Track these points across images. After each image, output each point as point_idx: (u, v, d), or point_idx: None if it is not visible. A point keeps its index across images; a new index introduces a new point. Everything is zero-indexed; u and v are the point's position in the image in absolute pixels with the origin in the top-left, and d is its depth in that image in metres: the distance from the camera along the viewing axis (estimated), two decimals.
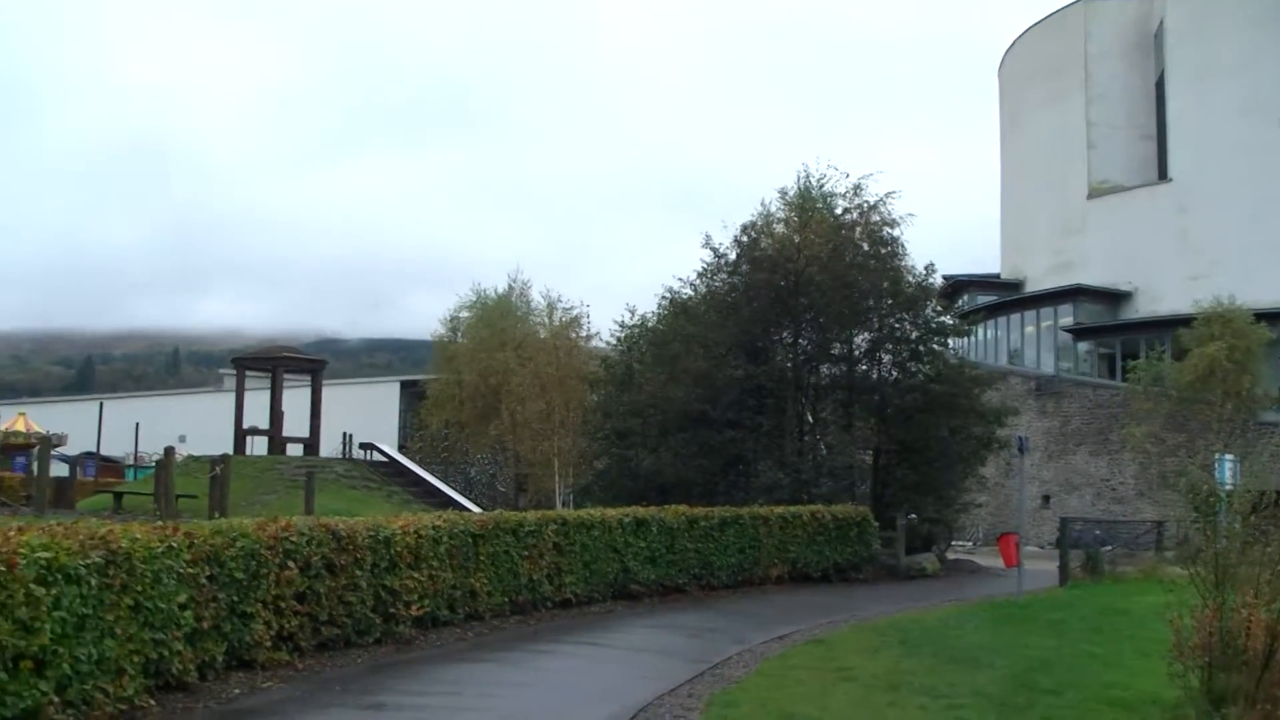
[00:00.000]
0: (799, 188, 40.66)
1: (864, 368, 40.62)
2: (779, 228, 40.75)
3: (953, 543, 46.31)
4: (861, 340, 40.23)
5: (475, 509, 34.15)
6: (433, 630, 18.53)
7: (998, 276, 78.62)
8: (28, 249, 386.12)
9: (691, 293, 41.42)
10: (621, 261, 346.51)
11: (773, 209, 41.08)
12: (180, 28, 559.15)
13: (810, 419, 40.18)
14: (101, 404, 68.88)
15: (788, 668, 16.46)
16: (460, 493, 45.54)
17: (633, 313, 44.94)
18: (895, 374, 40.16)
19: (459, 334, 60.55)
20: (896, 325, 39.71)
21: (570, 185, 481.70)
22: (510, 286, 59.17)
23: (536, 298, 58.29)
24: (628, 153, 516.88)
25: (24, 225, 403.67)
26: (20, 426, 61.34)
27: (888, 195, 39.87)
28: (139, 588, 11.72)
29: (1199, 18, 65.94)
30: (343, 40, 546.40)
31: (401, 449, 56.44)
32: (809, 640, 19.87)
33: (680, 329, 39.89)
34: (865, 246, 39.73)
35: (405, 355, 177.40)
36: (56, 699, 10.12)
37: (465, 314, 60.44)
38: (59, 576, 10.27)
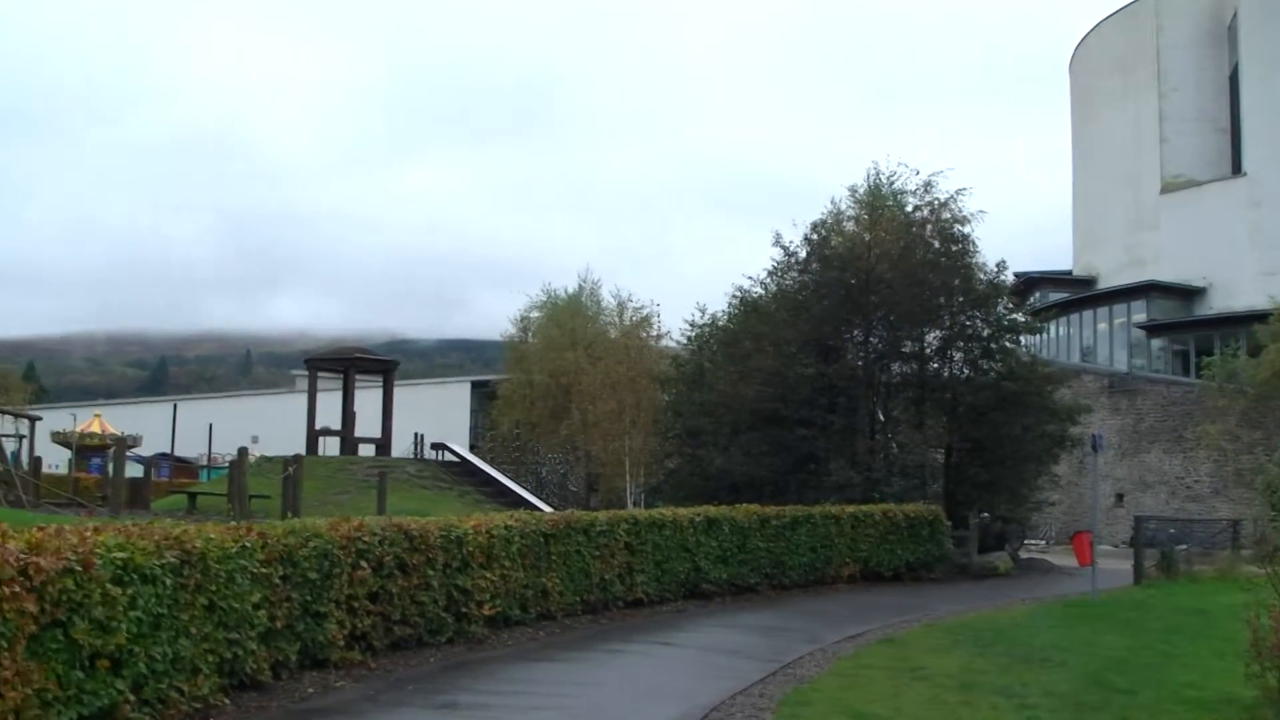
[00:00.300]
0: (869, 185, 40.50)
1: (935, 366, 40.40)
2: (849, 225, 40.63)
3: (1025, 542, 45.94)
4: (933, 338, 40.03)
5: (547, 509, 34.23)
6: (505, 630, 18.57)
7: (1069, 273, 77.96)
8: (102, 252, 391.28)
9: (762, 291, 41.33)
10: (691, 260, 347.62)
11: (843, 207, 40.98)
12: (252, 31, 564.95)
13: (881, 417, 40.02)
14: (175, 405, 69.56)
15: (860, 667, 16.39)
16: (531, 492, 45.71)
17: (703, 311, 44.94)
18: (967, 372, 39.92)
19: (530, 334, 60.66)
20: (968, 323, 39.49)
21: (641, 185, 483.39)
22: (580, 286, 59.27)
23: (607, 297, 58.38)
24: (698, 151, 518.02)
25: (99, 229, 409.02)
26: (96, 428, 62.03)
27: (958, 192, 39.70)
28: (213, 588, 11.81)
29: (1273, 8, 65.03)
30: (416, 40, 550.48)
31: (473, 449, 56.70)
32: (881, 639, 19.78)
33: (751, 327, 39.81)
34: (936, 244, 39.52)
35: (476, 355, 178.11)
36: (133, 697, 10.21)
37: (536, 314, 60.56)
38: (135, 576, 10.36)
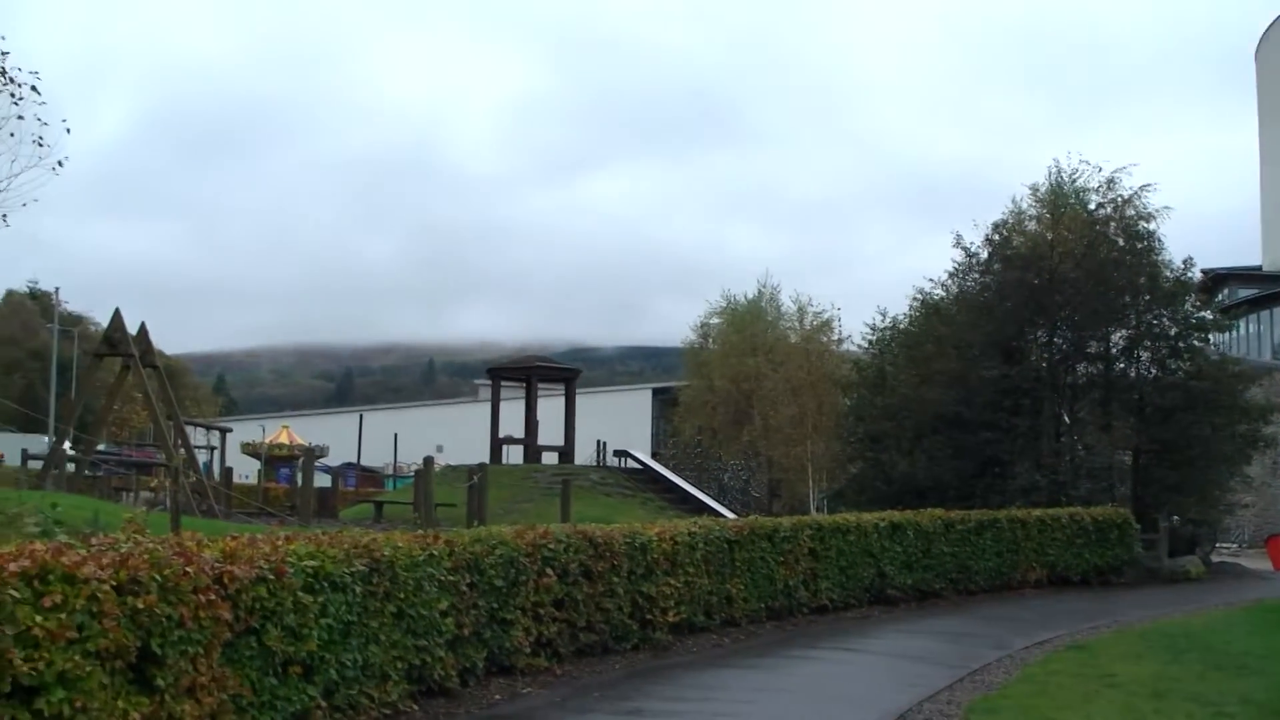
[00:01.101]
0: (1050, 183, 39.78)
1: (1121, 366, 39.60)
2: (1031, 225, 40.01)
3: (1217, 545, 44.82)
4: (1118, 338, 39.25)
5: (730, 515, 34.17)
6: (689, 636, 18.56)
7: (1259, 268, 75.92)
8: (292, 268, 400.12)
9: (943, 293, 40.89)
10: (870, 264, 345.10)
11: (1024, 206, 40.33)
12: (437, 50, 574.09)
13: (1067, 419, 39.32)
14: (361, 416, 70.73)
15: (1049, 674, 16.11)
16: (714, 498, 45.72)
17: (884, 315, 44.49)
18: (1154, 371, 39.06)
19: (710, 340, 60.66)
20: (1154, 322, 38.62)
21: (818, 189, 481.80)
22: (760, 291, 59.09)
23: (786, 302, 58.14)
24: (874, 155, 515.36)
25: (287, 244, 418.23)
26: (284, 439, 63.49)
27: (1142, 188, 38.79)
28: (401, 595, 11.96)
29: None
30: (593, 52, 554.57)
31: (655, 456, 56.86)
32: (1070, 645, 19.44)
33: (932, 330, 39.44)
34: (1120, 242, 38.74)
35: (657, 363, 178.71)
36: (324, 703, 10.38)
37: (716, 320, 60.53)
38: (325, 584, 10.53)
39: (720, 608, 19.63)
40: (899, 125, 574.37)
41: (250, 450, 61.44)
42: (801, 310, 56.13)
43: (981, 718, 12.89)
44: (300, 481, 33.77)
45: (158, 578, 8.19)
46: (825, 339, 54.15)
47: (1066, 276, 37.11)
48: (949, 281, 40.71)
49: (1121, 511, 32.71)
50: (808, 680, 15.55)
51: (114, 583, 7.68)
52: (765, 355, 52.88)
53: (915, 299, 42.01)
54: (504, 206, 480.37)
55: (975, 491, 35.37)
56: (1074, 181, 39.49)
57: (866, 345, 46.25)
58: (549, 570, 15.17)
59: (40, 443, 50.25)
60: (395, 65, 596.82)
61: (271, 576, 9.68)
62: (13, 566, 6.89)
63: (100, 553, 7.97)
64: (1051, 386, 38.16)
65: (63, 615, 7.08)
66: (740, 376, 53.49)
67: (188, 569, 8.58)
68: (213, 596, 8.82)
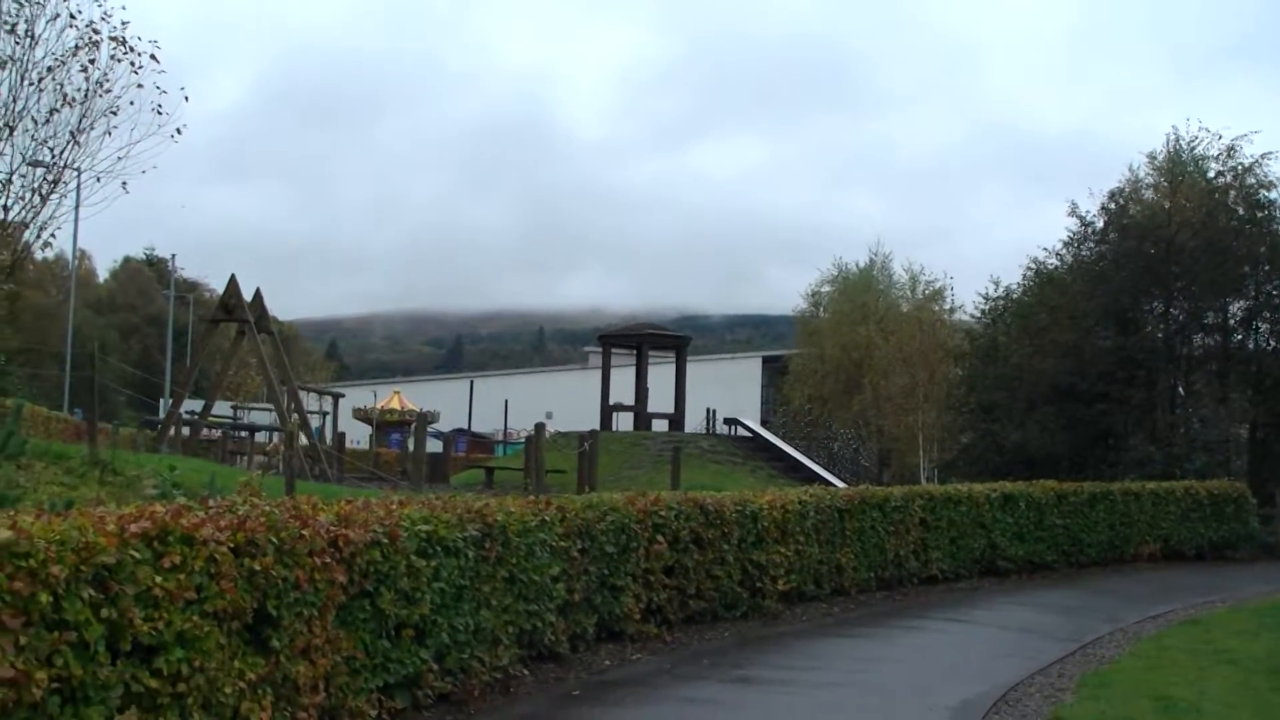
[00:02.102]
0: (1168, 151, 39.21)
1: (1239, 337, 39.04)
2: (1148, 193, 39.51)
3: None
4: (1237, 309, 38.72)
5: (840, 484, 34.05)
6: (798, 605, 18.52)
7: None
8: (402, 234, 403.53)
9: (1057, 263, 40.52)
10: (980, 232, 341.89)
11: (1141, 174, 39.83)
12: (548, 15, 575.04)
13: (1182, 391, 38.85)
14: (472, 382, 71.13)
15: (1162, 649, 15.91)
16: (824, 467, 45.52)
17: (997, 284, 44.10)
18: (1273, 344, 38.45)
19: (821, 309, 60.47)
20: (1275, 292, 38.00)
21: (930, 156, 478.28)
22: (871, 260, 58.84)
23: (898, 271, 57.88)
24: (987, 122, 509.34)
25: (402, 212, 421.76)
26: (395, 404, 64.07)
27: (1264, 156, 38.13)
28: (513, 560, 12.01)
29: None
30: (704, 16, 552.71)
31: (764, 424, 56.71)
32: (1184, 620, 19.20)
33: (1046, 300, 39.08)
34: (1240, 211, 38.17)
35: (767, 331, 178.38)
36: (435, 666, 10.45)
37: (827, 288, 60.35)
38: (438, 549, 10.58)
39: (830, 577, 19.57)
40: (1010, 89, 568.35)
41: (362, 415, 62.08)
42: (914, 279, 55.86)
43: (1094, 691, 12.75)
44: (412, 446, 33.99)
45: (274, 540, 8.27)
46: (937, 308, 53.77)
47: (1184, 246, 36.60)
48: (1063, 250, 40.36)
49: (1238, 485, 32.20)
50: (917, 650, 15.46)
51: (231, 544, 7.77)
52: (877, 324, 52.61)
53: (1029, 268, 41.69)
54: (614, 173, 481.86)
55: (1088, 463, 35.05)
56: (1193, 149, 38.92)
57: (979, 315, 45.93)
58: (660, 537, 15.18)
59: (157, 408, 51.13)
60: (506, 31, 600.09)
61: (386, 540, 9.75)
62: (134, 528, 6.97)
63: (218, 515, 8.06)
64: (1167, 358, 37.68)
65: (181, 576, 7.17)
66: (851, 345, 53.30)
67: (303, 532, 8.66)
68: (328, 559, 8.89)
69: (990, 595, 21.99)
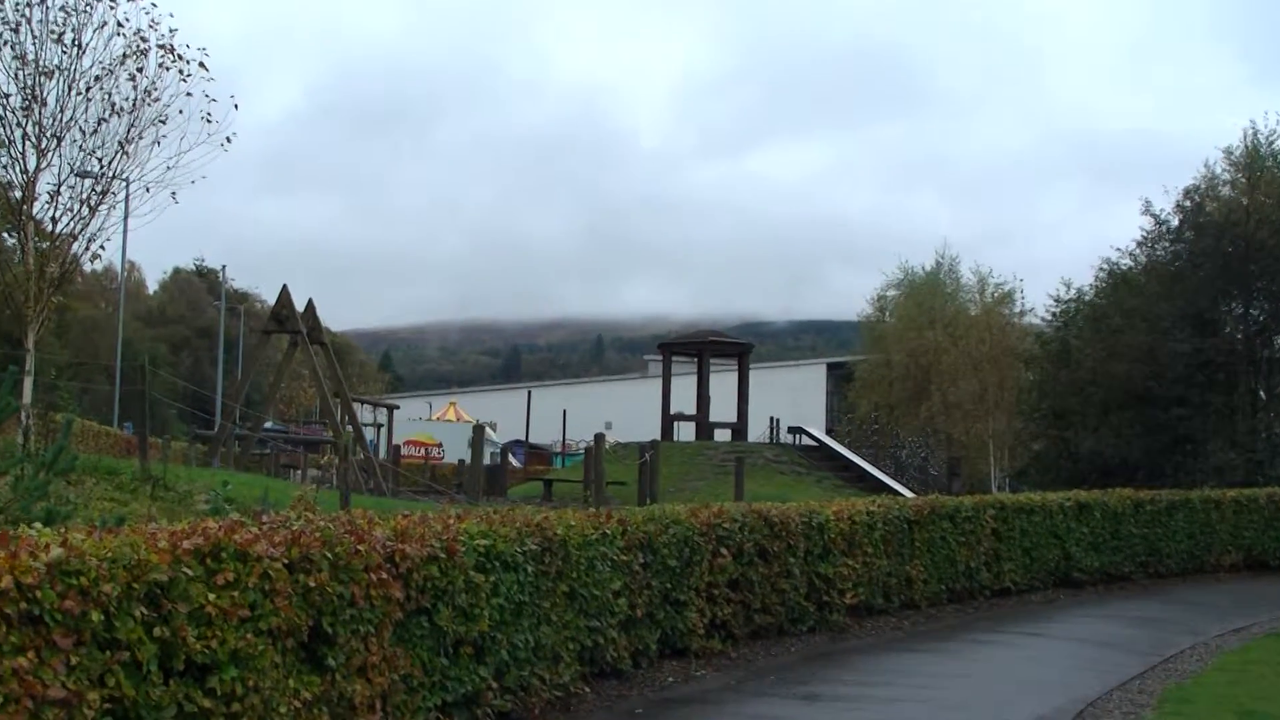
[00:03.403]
0: (1246, 146, 38.84)
1: None
2: (1225, 190, 39.15)
3: None
4: None
5: (908, 494, 33.93)
6: (867, 618, 18.44)
7: None
8: (458, 243, 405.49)
9: (1131, 263, 40.26)
10: (1052, 234, 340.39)
11: (1217, 170, 39.47)
12: (606, 23, 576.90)
13: (1263, 395, 38.47)
14: (529, 392, 71.07)
15: (1247, 663, 15.75)
16: (891, 477, 45.38)
17: (1068, 286, 43.82)
18: None
19: (887, 313, 60.19)
20: None
21: (996, 158, 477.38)
22: (938, 263, 58.43)
23: (966, 274, 57.43)
24: (1053, 123, 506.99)
25: (455, 220, 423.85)
26: (451, 416, 64.23)
27: None
28: (574, 575, 12.00)
29: None
30: (767, 23, 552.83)
31: (829, 433, 56.60)
32: (1268, 634, 19.02)
33: (1120, 302, 38.82)
34: None
35: (831, 336, 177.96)
36: (495, 684, 10.45)
37: (893, 292, 60.02)
38: (497, 564, 10.59)
39: (899, 590, 19.47)
40: (1075, 89, 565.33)
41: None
42: (982, 281, 55.42)
43: (1176, 707, 12.62)
44: (469, 458, 34.11)
45: (329, 556, 8.30)
46: (1006, 311, 53.43)
47: (1264, 244, 36.27)
48: (1137, 250, 40.11)
49: None
50: (992, 665, 15.36)
51: (286, 560, 7.80)
52: (944, 328, 52.31)
53: (1101, 269, 41.46)
54: (673, 179, 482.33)
55: (1165, 470, 34.77)
56: (1271, 144, 38.52)
57: (1049, 318, 45.64)
58: (724, 550, 15.14)
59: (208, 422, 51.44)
60: (563, 39, 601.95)
61: (443, 555, 9.76)
62: (186, 544, 7.01)
63: (272, 530, 8.09)
64: (1248, 360, 37.35)
65: (235, 593, 7.20)
66: (918, 350, 52.99)
67: (359, 547, 8.68)
68: (384, 575, 8.91)
69: (1066, 608, 21.84)
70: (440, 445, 59.88)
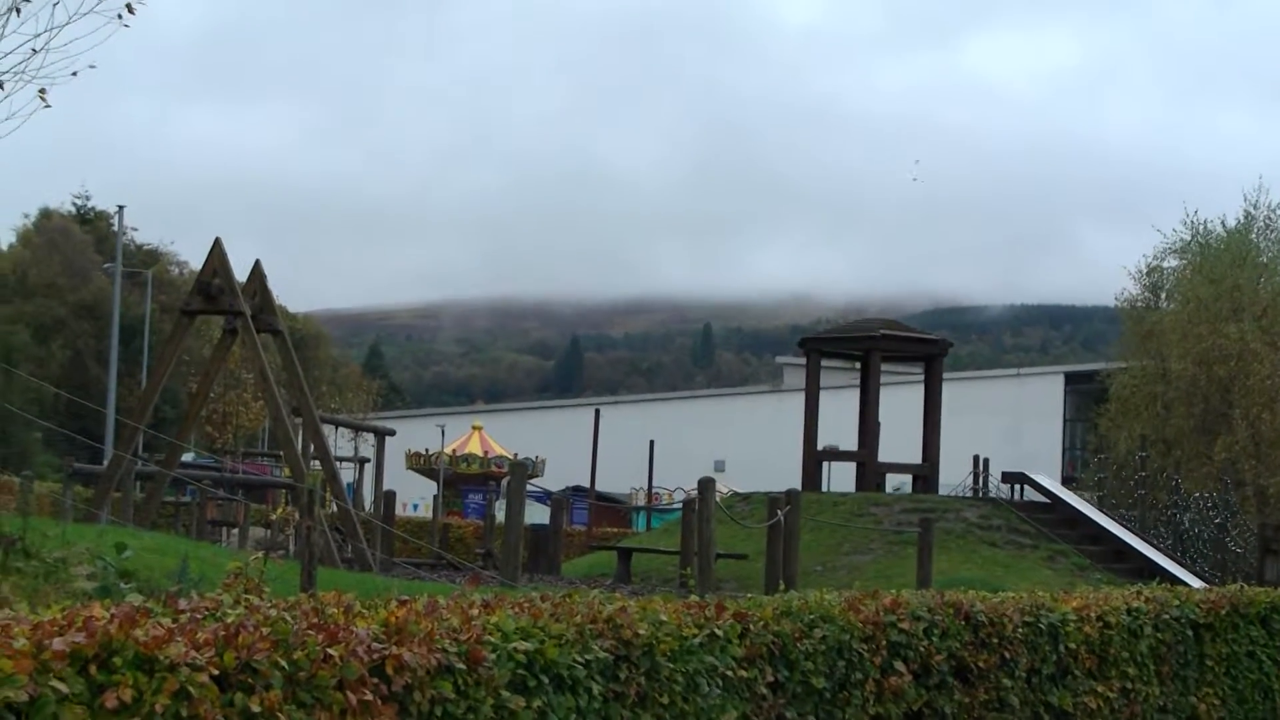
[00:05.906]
0: None
1: None
2: None
3: None
4: None
5: (1195, 582, 33.78)
6: None
7: None
8: (490, 181, 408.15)
9: None
10: None
11: None
12: None
13: None
14: (597, 412, 69.38)
15: None
16: (1168, 554, 45.20)
17: None
18: None
19: (1163, 295, 59.95)
20: None
21: None
22: (1248, 216, 58.11)
23: None
24: None
25: (487, 146, 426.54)
26: (474, 447, 64.02)
27: None
28: (665, 699, 11.93)
29: None
30: None
31: (1068, 483, 56.43)
32: None
33: None
34: None
35: (1072, 330, 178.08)
36: None
37: (1172, 262, 59.84)
38: (545, 680, 10.55)
39: None
40: None
41: (420, 464, 62.49)
42: None
43: None
44: (503, 516, 34.26)
45: (283, 664, 8.28)
46: None
47: None
48: None
49: None
50: None
51: (215, 671, 7.79)
52: (1256, 320, 52.04)
53: None
54: (832, 82, 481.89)
55: None
56: None
57: None
58: (900, 664, 15.10)
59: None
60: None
61: (462, 665, 9.73)
62: (58, 644, 6.95)
63: (194, 624, 8.11)
64: None
65: None
66: (1213, 354, 52.78)
67: (331, 651, 8.69)
68: (367, 695, 8.91)
69: None
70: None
